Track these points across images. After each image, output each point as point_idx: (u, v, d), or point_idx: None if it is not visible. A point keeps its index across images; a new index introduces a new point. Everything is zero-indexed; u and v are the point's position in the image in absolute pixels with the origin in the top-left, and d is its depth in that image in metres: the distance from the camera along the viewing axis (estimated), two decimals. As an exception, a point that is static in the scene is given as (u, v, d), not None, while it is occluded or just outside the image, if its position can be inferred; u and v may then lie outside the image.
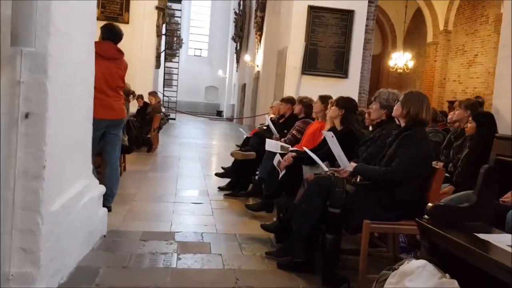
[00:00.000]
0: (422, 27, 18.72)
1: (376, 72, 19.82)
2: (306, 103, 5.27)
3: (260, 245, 3.59)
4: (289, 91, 12.12)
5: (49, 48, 2.39)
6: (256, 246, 3.55)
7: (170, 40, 22.73)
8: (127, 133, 5.91)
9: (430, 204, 2.34)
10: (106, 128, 4.12)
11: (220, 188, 5.62)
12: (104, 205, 4.01)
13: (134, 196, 4.98)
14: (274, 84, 14.80)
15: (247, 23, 22.59)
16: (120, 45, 4.43)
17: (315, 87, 11.88)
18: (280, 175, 3.85)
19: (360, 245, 2.86)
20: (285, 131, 5.54)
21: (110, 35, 4.18)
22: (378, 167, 2.84)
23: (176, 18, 23.46)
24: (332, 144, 2.93)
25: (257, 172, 5.58)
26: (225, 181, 5.77)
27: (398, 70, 16.83)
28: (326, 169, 3.33)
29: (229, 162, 8.14)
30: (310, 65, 12.02)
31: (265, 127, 9.99)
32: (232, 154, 5.25)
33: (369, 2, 12.49)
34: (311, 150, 3.98)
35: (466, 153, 3.61)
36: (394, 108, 2.97)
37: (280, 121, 5.91)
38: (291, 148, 4.65)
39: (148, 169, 6.96)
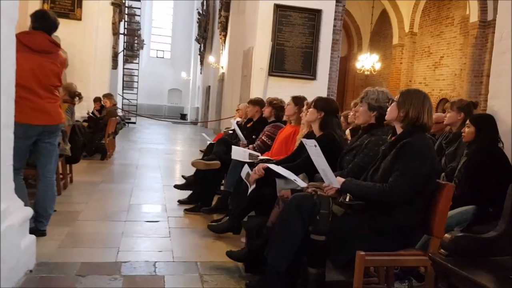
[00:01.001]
0: (387, 29, 18.58)
1: (342, 74, 19.53)
2: (277, 105, 4.70)
3: (226, 276, 2.95)
4: (255, 93, 11.57)
5: None
6: (222, 279, 2.91)
7: (130, 40, 21.81)
8: (71, 141, 5.17)
9: (447, 236, 1.80)
10: (38, 135, 3.40)
11: (180, 202, 4.96)
12: (36, 230, 3.32)
13: (78, 215, 4.25)
14: (240, 86, 14.28)
15: (211, 23, 21.94)
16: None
17: (282, 89, 11.40)
18: (249, 190, 3.25)
19: (348, 275, 2.30)
20: (254, 136, 4.94)
21: (42, 24, 3.47)
22: (372, 183, 2.27)
23: (136, 18, 22.56)
24: (314, 156, 2.35)
25: (222, 184, 4.97)
26: (186, 193, 5.13)
27: (365, 72, 16.53)
28: (303, 184, 2.75)
29: (191, 170, 7.50)
30: (277, 66, 11.54)
31: (230, 131, 9.41)
32: (193, 164, 4.60)
33: (336, 1, 12.13)
34: (284, 159, 3.40)
35: (465, 163, 3.10)
36: (388, 110, 2.41)
37: (248, 125, 5.31)
38: (261, 157, 4.05)
39: (100, 180, 6.22)
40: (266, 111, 4.76)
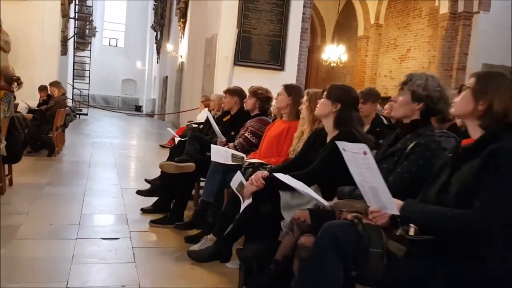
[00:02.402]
0: (352, 20, 18.16)
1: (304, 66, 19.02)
2: (262, 96, 3.95)
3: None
4: (219, 83, 10.81)
5: None
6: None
7: (82, 26, 20.37)
8: (9, 137, 4.22)
9: None
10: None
11: (144, 211, 4.14)
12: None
13: (15, 231, 3.35)
14: (202, 76, 13.44)
15: (168, 10, 20.81)
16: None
17: (248, 80, 10.56)
18: (243, 206, 2.49)
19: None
20: (232, 133, 4.17)
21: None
22: (447, 208, 1.56)
23: (88, 3, 21.10)
24: (358, 167, 1.58)
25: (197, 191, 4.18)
26: (150, 199, 4.31)
27: (332, 64, 16.01)
28: (325, 203, 2.02)
29: (153, 169, 6.63)
30: (243, 55, 10.81)
31: (194, 125, 8.61)
32: (162, 167, 3.77)
33: (306, -12, 11.53)
34: (287, 165, 2.66)
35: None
36: (458, 100, 1.70)
37: (224, 119, 4.52)
38: (248, 159, 3.29)
39: (46, 181, 5.27)
40: (249, 102, 3.99)
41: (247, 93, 4.25)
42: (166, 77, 20.33)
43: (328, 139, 2.48)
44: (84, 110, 17.99)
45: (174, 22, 18.73)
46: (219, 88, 10.73)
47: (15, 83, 4.42)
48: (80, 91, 18.99)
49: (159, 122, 19.79)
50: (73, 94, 18.23)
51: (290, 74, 11.14)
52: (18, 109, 7.95)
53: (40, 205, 4.19)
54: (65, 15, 10.89)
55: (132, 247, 3.19)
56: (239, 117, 4.25)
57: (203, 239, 2.95)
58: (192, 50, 14.96)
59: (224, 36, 10.71)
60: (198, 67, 14.17)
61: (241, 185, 2.57)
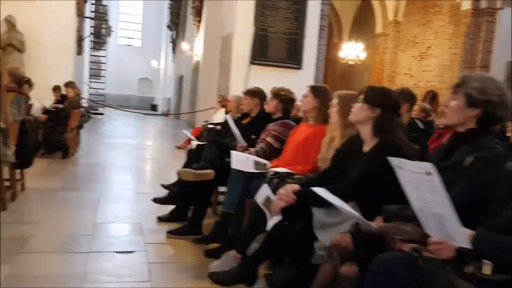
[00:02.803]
0: (370, 18, 17.76)
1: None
2: (285, 98, 3.68)
3: None
4: (235, 82, 10.59)
5: None
6: None
7: (97, 26, 20.31)
8: (20, 141, 4.03)
9: None
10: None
11: (160, 219, 3.92)
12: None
13: (24, 243, 3.15)
14: (217, 75, 13.22)
15: (184, 9, 20.63)
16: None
17: (265, 79, 10.36)
18: (270, 223, 2.24)
19: None
20: (253, 137, 3.92)
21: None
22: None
23: (104, 2, 21.04)
24: (419, 189, 1.32)
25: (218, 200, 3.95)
26: (167, 206, 4.09)
27: (349, 62, 15.65)
28: (370, 225, 1.76)
29: (169, 172, 6.43)
30: (260, 54, 10.56)
31: (210, 126, 8.39)
32: (179, 174, 3.54)
33: (324, -16, 11.23)
34: (318, 178, 2.41)
35: None
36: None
37: (243, 121, 4.27)
38: (271, 167, 3.03)
39: (59, 186, 5.09)
40: (271, 105, 3.73)
41: (268, 94, 3.99)
42: (182, 76, 20.17)
43: (365, 148, 2.21)
44: (100, 110, 17.93)
45: (190, 21, 18.55)
46: (235, 87, 10.50)
47: (26, 85, 4.23)
48: (96, 90, 18.96)
49: (174, 121, 19.65)
50: (89, 94, 18.19)
51: (307, 72, 10.88)
52: (33, 110, 7.83)
53: (52, 213, 4.00)
54: (80, 14, 10.76)
55: (147, 263, 2.96)
56: (260, 120, 3.99)
57: (225, 255, 2.71)
58: (207, 49, 14.75)
59: (240, 35, 10.49)
60: (213, 66, 13.95)
61: (268, 200, 2.32)
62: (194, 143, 4.38)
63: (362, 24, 18.26)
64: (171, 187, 4.45)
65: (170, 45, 24.14)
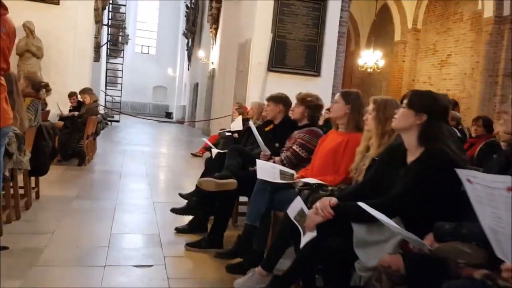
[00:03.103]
0: (388, 25, 17.54)
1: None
2: (313, 104, 3.49)
3: None
4: (253, 90, 10.44)
5: None
6: None
7: (115, 34, 20.39)
8: (36, 148, 3.90)
9: None
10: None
11: (178, 231, 3.75)
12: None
13: (38, 255, 3.00)
14: (233, 83, 13.10)
15: (200, 16, 20.63)
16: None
17: (283, 86, 10.17)
18: (305, 239, 2.04)
19: None
20: (276, 145, 3.74)
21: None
22: None
23: (122, 9, 21.14)
24: (491, 207, 1.13)
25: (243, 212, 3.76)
26: (185, 217, 3.92)
27: (368, 70, 15.42)
28: (424, 245, 1.56)
29: (185, 180, 6.29)
30: (278, 61, 10.41)
31: (228, 133, 8.22)
32: (200, 184, 3.35)
33: (343, -10, 11.08)
34: (357, 190, 2.21)
35: None
36: None
37: (266, 129, 4.09)
38: (304, 179, 2.82)
39: (75, 194, 4.95)
40: (297, 111, 3.54)
41: (293, 100, 3.82)
42: (197, 83, 20.12)
43: (410, 158, 2.01)
44: (116, 117, 17.91)
45: (206, 28, 18.52)
46: (252, 95, 10.34)
47: (43, 90, 4.10)
48: (113, 97, 18.98)
49: (189, 129, 19.57)
50: (105, 101, 18.21)
51: (326, 80, 10.71)
52: (50, 116, 7.75)
53: (67, 223, 3.85)
54: (98, 21, 10.73)
55: (167, 278, 2.78)
56: (284, 127, 3.81)
57: (250, 272, 2.52)
58: (223, 57, 14.67)
59: (258, 41, 10.35)
60: (229, 74, 13.84)
61: (301, 214, 2.12)
62: (214, 151, 4.20)
63: (380, 31, 18.00)
64: (190, 197, 4.27)
65: (186, 53, 24.15)
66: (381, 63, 15.50)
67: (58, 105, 7.47)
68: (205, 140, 5.76)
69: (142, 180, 6.21)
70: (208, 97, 16.64)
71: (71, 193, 4.99)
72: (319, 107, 3.55)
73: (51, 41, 8.83)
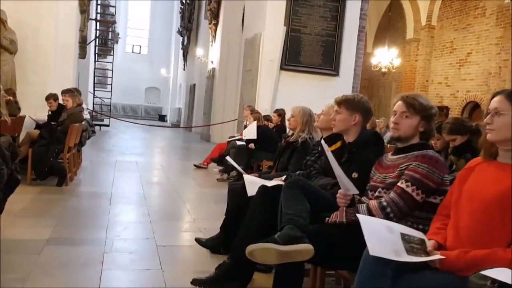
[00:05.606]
0: (398, 22, 16.36)
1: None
2: (430, 113, 2.14)
3: None
4: (263, 91, 9.14)
5: None
6: None
7: (104, 32, 18.97)
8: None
9: None
10: None
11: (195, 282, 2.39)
12: None
13: None
14: (236, 83, 11.78)
15: (197, 12, 19.27)
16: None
17: (297, 86, 8.92)
18: None
19: None
20: (354, 175, 2.38)
21: None
22: None
23: (111, 9, 19.73)
24: None
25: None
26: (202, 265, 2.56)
27: (383, 69, 14.14)
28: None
29: (195, 206, 4.96)
30: (292, 58, 9.14)
31: (240, 142, 6.94)
32: (251, 255, 1.74)
33: (366, -21, 9.80)
34: None
35: None
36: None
37: (331, 148, 2.72)
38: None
39: (48, 234, 3.59)
40: (407, 124, 2.18)
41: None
42: (194, 84, 18.77)
43: None
44: (106, 121, 16.49)
45: (204, 25, 17.20)
46: (262, 96, 9.04)
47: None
48: (102, 100, 17.58)
49: (185, 133, 18.22)
50: (93, 104, 16.79)
51: (345, 80, 9.44)
52: (25, 124, 6.36)
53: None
54: (84, 11, 9.31)
55: None
56: (361, 147, 2.47)
57: None
58: (225, 55, 13.36)
59: (269, 36, 9.06)
60: (231, 73, 12.56)
61: None
62: (249, 179, 2.83)
63: (390, 29, 16.74)
64: (213, 245, 2.92)
65: (181, 52, 22.77)
66: (397, 62, 14.23)
67: (30, 116, 6.09)
68: (231, 161, 4.19)
69: (140, 208, 4.84)
70: (208, 99, 15.30)
71: (43, 233, 3.62)
72: (432, 117, 2.20)
73: (28, 33, 7.43)
